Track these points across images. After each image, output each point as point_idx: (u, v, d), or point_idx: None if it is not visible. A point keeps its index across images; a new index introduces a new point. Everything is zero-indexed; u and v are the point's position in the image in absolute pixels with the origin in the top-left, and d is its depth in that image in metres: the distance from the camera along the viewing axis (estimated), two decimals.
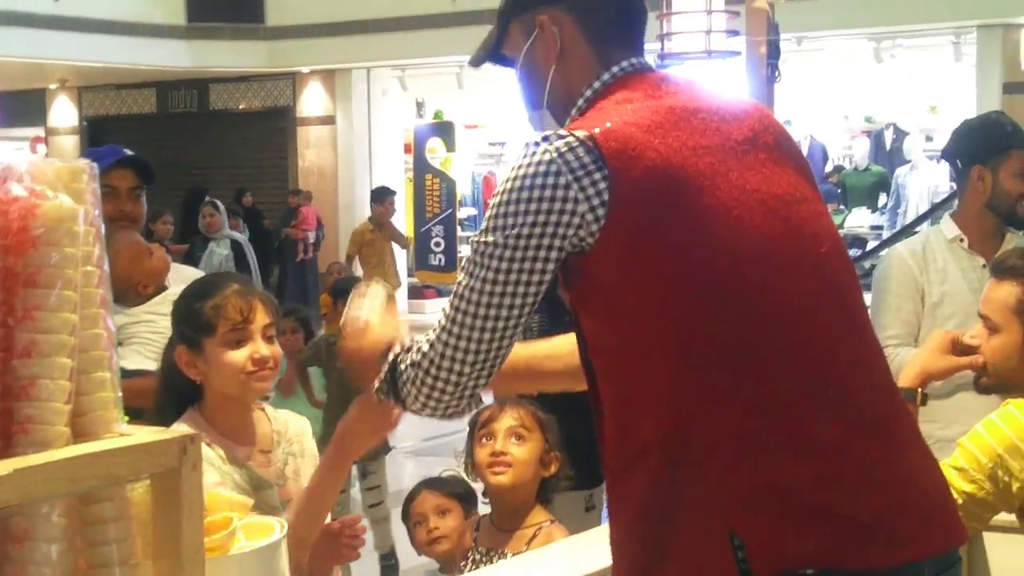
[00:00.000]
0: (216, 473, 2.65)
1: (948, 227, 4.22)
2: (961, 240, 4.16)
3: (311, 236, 17.52)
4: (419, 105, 19.90)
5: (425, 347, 2.12)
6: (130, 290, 4.01)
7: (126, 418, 1.99)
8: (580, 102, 2.19)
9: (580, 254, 2.02)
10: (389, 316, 2.44)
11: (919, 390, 2.97)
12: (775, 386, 1.99)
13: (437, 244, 18.60)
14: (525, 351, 2.54)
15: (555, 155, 2.00)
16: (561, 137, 2.03)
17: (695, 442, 1.97)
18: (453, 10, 15.04)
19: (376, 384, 2.23)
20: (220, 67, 18.45)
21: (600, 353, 2.13)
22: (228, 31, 17.79)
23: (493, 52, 2.32)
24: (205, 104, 19.95)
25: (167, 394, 2.88)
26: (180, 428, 2.73)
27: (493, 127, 20.61)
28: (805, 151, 17.57)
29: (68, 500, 1.60)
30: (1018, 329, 2.86)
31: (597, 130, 2.02)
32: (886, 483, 2.01)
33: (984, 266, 4.20)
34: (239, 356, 2.73)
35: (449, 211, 18.66)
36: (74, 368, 1.60)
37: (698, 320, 1.99)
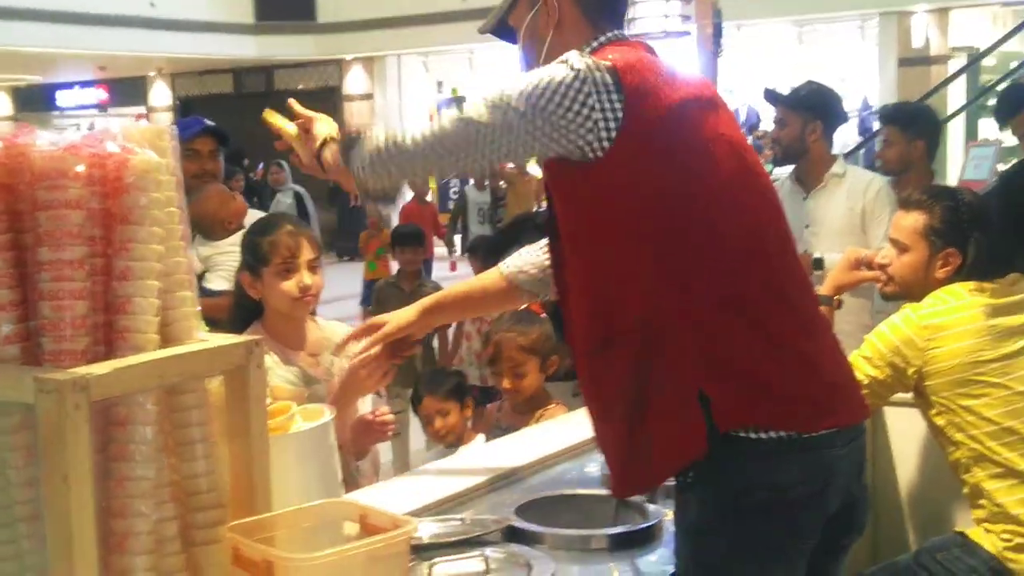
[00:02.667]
0: (270, 377, 2.66)
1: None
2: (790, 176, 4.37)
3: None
4: (439, 84, 19.77)
5: (406, 133, 2.01)
6: (217, 226, 3.99)
7: (207, 327, 1.99)
8: None
9: (585, 160, 1.93)
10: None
11: (835, 297, 2.96)
12: (738, 286, 1.97)
13: (455, 192, 18.63)
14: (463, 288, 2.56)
15: (587, 70, 1.91)
16: (592, 58, 1.95)
17: (670, 328, 1.94)
18: (464, 7, 14.90)
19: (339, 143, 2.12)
20: (282, 56, 18.36)
21: (578, 249, 2.05)
22: (288, 27, 17.68)
23: (500, 22, 2.23)
24: (271, 85, 19.86)
25: (238, 309, 2.89)
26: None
27: None
28: (744, 116, 17.51)
29: (158, 392, 1.59)
30: (924, 247, 2.85)
31: (620, 62, 1.94)
32: (814, 367, 2.00)
33: (802, 197, 4.32)
34: (288, 284, 2.73)
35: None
36: (161, 288, 1.58)
37: (678, 230, 1.95)
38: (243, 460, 1.66)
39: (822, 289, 2.94)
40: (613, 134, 1.90)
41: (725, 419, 1.91)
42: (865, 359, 2.76)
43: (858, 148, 12.58)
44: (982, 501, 2.74)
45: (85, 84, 21.97)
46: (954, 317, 2.76)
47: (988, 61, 11.64)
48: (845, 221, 4.20)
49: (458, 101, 15.47)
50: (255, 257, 2.76)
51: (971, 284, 2.79)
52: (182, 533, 1.62)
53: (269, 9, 17.49)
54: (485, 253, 5.21)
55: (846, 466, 2.02)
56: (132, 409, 1.54)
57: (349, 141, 2.08)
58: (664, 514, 2.31)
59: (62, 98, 22.35)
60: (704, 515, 1.96)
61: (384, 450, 5.93)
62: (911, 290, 2.88)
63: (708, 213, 1.97)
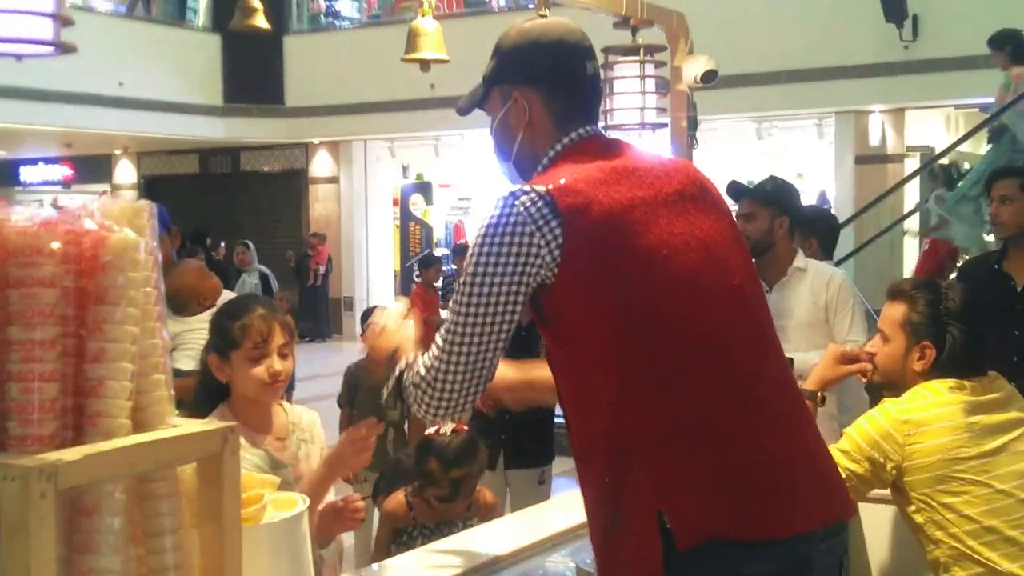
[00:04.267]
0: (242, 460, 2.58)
1: None
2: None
3: (322, 268, 17.62)
4: (404, 169, 19.83)
5: (422, 371, 2.03)
6: (193, 302, 3.93)
7: (177, 411, 1.91)
8: (544, 161, 2.13)
9: (543, 288, 1.96)
10: (402, 326, 2.34)
11: (819, 393, 2.93)
12: (694, 396, 1.93)
13: (417, 276, 18.57)
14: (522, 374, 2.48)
15: (521, 208, 1.95)
16: (525, 193, 1.97)
17: (626, 447, 1.92)
18: (432, 95, 14.97)
19: (385, 396, 2.19)
20: (249, 138, 18.37)
21: (558, 367, 2.08)
22: (255, 110, 17.70)
23: (475, 106, 2.26)
24: (238, 167, 19.85)
25: (204, 391, 2.80)
26: (215, 420, 2.68)
27: (462, 186, 20.57)
28: None
29: (128, 480, 1.50)
30: (902, 339, 2.83)
31: (551, 186, 1.97)
32: (785, 467, 1.95)
33: (767, 291, 4.24)
34: (259, 370, 2.66)
35: (427, 250, 18.64)
36: (135, 371, 1.51)
37: (634, 343, 1.93)
38: (215, 552, 1.57)
39: (807, 384, 2.90)
40: (558, 257, 1.93)
41: (684, 538, 1.86)
42: (843, 452, 2.71)
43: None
44: None
45: (50, 160, 21.84)
46: (933, 413, 2.72)
47: (942, 161, 11.84)
48: (811, 315, 4.19)
49: (423, 187, 15.59)
50: (225, 340, 2.69)
51: (951, 381, 2.76)
52: None
53: (238, 92, 17.50)
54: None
55: (825, 562, 1.96)
56: (100, 498, 1.45)
57: (393, 391, 2.17)
58: None
59: (26, 174, 22.19)
60: None
61: (347, 536, 5.78)
62: (892, 381, 2.85)
63: (657, 324, 1.94)
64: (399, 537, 3.67)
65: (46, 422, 1.43)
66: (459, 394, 2.02)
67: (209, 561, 1.58)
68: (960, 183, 8.87)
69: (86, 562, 1.44)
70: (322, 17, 18.80)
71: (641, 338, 1.93)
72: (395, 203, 19.41)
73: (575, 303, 1.95)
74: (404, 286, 18.64)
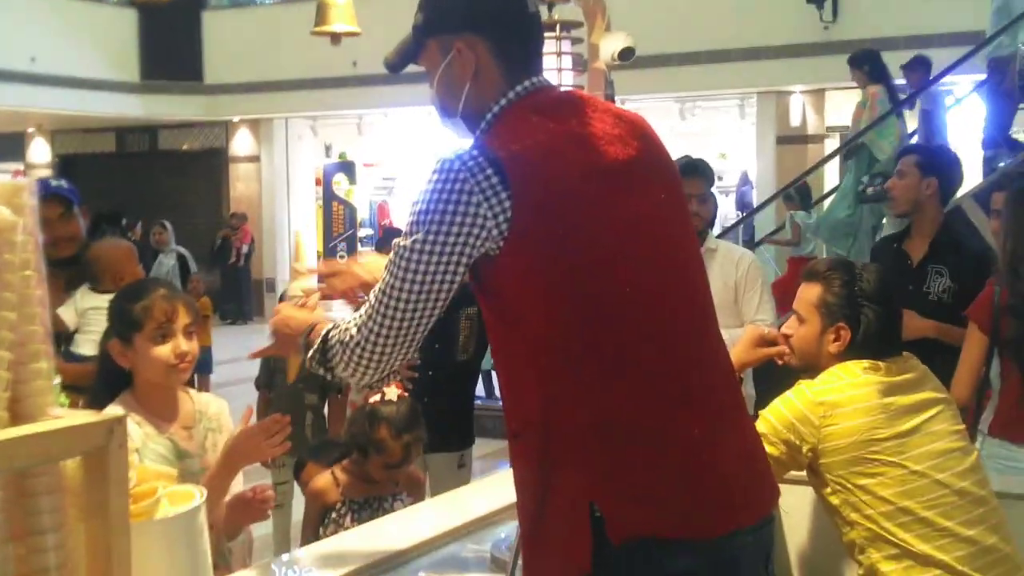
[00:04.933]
0: (142, 451, 2.48)
1: None
2: None
3: (245, 248, 17.38)
4: (327, 148, 19.57)
5: (353, 330, 1.94)
6: (110, 277, 3.78)
7: (65, 400, 1.81)
8: (489, 116, 1.99)
9: (485, 258, 1.86)
10: (311, 307, 2.30)
11: (737, 375, 2.90)
12: (633, 386, 1.86)
13: (341, 256, 18.29)
14: None
15: (468, 174, 1.82)
16: (473, 157, 1.85)
17: (561, 430, 1.85)
18: (355, 73, 14.80)
19: (309, 355, 2.05)
20: (167, 116, 18.02)
21: (493, 339, 1.99)
22: (173, 87, 17.36)
23: (406, 61, 2.12)
24: (155, 145, 19.49)
25: (103, 378, 2.70)
26: (113, 408, 2.57)
27: (386, 165, 20.37)
28: None
29: (6, 476, 1.41)
30: (817, 321, 2.81)
31: (503, 153, 1.85)
32: (718, 465, 1.89)
33: None
34: (163, 351, 2.57)
35: (351, 231, 18.00)
36: (12, 359, 1.41)
37: (571, 326, 1.85)
38: (101, 551, 1.48)
39: None
40: (505, 231, 1.83)
41: (616, 532, 1.80)
42: (760, 435, 2.69)
43: (738, 224, 12.82)
44: None
45: None
46: (848, 395, 2.71)
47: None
48: (720, 296, 4.16)
49: (346, 166, 15.24)
50: (126, 323, 2.58)
51: (865, 362, 2.74)
52: None
53: (155, 68, 17.14)
54: None
55: (751, 554, 1.92)
56: None
57: (318, 352, 2.04)
58: None
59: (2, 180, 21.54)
60: None
61: (265, 521, 5.67)
62: (808, 363, 2.83)
63: (598, 310, 1.86)
64: (327, 515, 3.60)
65: None
66: (389, 356, 1.93)
67: (96, 560, 1.48)
68: (828, 203, 9.14)
69: None
70: None
71: (579, 322, 1.85)
72: (317, 182, 18.77)
73: (515, 279, 1.87)
74: None
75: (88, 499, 1.49)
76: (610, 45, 3.33)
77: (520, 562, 2.01)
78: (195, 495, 1.79)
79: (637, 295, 1.89)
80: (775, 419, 2.72)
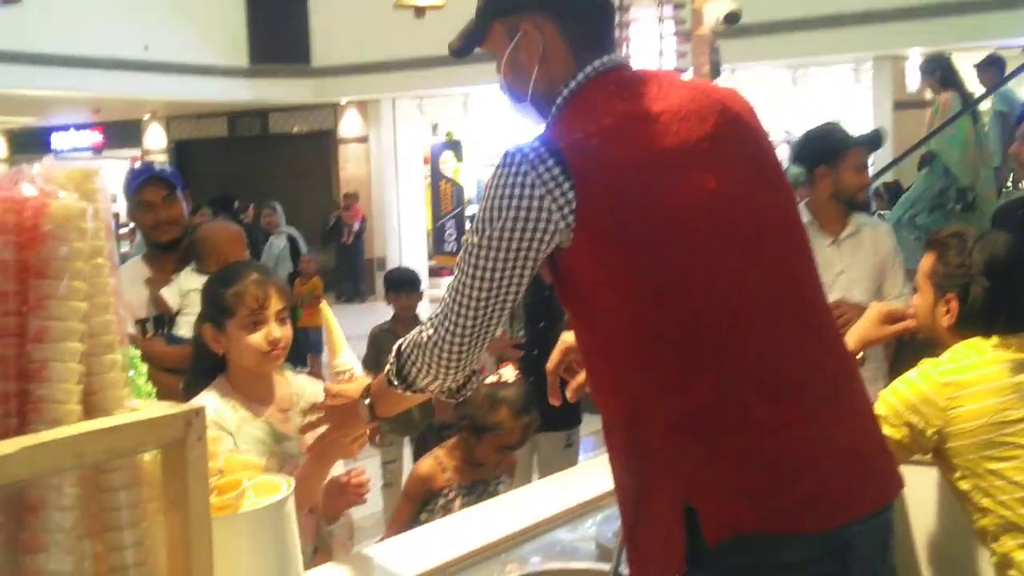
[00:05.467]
0: (237, 436, 2.45)
1: (802, 213, 4.07)
2: (812, 223, 4.06)
3: (356, 226, 17.54)
4: (434, 127, 19.63)
5: (429, 331, 1.89)
6: (216, 261, 3.77)
7: (152, 389, 1.77)
8: (559, 100, 1.90)
9: (559, 251, 1.78)
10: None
11: (859, 354, 2.75)
12: (721, 377, 1.73)
13: (450, 235, 18.43)
14: None
15: (530, 168, 1.74)
16: (535, 149, 1.76)
17: (652, 425, 1.75)
18: None
19: (386, 372, 2.02)
20: (276, 99, 18.25)
21: (578, 335, 1.91)
22: (282, 71, 17.54)
23: (471, 45, 2.04)
24: (265, 129, 19.77)
25: (199, 361, 2.67)
26: (207, 394, 2.54)
27: (492, 142, 20.37)
28: None
29: (81, 472, 1.36)
30: (930, 291, 2.66)
31: (564, 143, 1.76)
32: (825, 455, 1.75)
33: (829, 244, 4.06)
34: (255, 338, 2.53)
35: (459, 208, 18.48)
36: (85, 351, 1.36)
37: (652, 319, 1.74)
38: (181, 546, 1.43)
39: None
40: (572, 222, 1.74)
41: (713, 532, 1.69)
42: (880, 418, 2.53)
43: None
44: (1012, 572, 2.51)
45: (80, 127, 21.84)
46: (976, 374, 2.54)
47: (984, 105, 11.51)
48: (870, 273, 4.08)
49: (453, 145, 15.35)
50: (218, 308, 2.55)
51: (995, 339, 2.57)
52: None
53: (263, 53, 17.34)
54: None
55: (868, 543, 1.78)
56: (46, 493, 1.31)
57: (393, 367, 2.00)
58: None
59: (57, 140, 22.18)
60: None
61: (375, 500, 5.67)
62: (929, 337, 2.68)
63: (680, 300, 1.74)
64: (435, 500, 3.58)
65: None
66: (467, 353, 1.88)
67: (176, 556, 1.44)
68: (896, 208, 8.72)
69: (34, 563, 1.31)
70: None
71: (662, 314, 1.73)
72: (425, 162, 19.25)
73: (588, 271, 1.77)
74: (436, 245, 18.56)
75: (167, 493, 1.44)
76: (714, 9, 3.21)
77: (624, 555, 1.92)
78: (282, 486, 1.73)
79: (717, 278, 1.76)
80: (897, 401, 2.56)
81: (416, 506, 3.60)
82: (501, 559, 2.43)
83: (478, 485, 3.62)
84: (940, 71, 8.06)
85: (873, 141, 4.16)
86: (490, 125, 18.72)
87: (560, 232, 1.74)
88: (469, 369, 1.95)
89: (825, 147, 4.09)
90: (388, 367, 2.01)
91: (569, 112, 1.88)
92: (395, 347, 2.00)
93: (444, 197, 18.74)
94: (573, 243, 1.75)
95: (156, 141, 20.86)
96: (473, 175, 20.22)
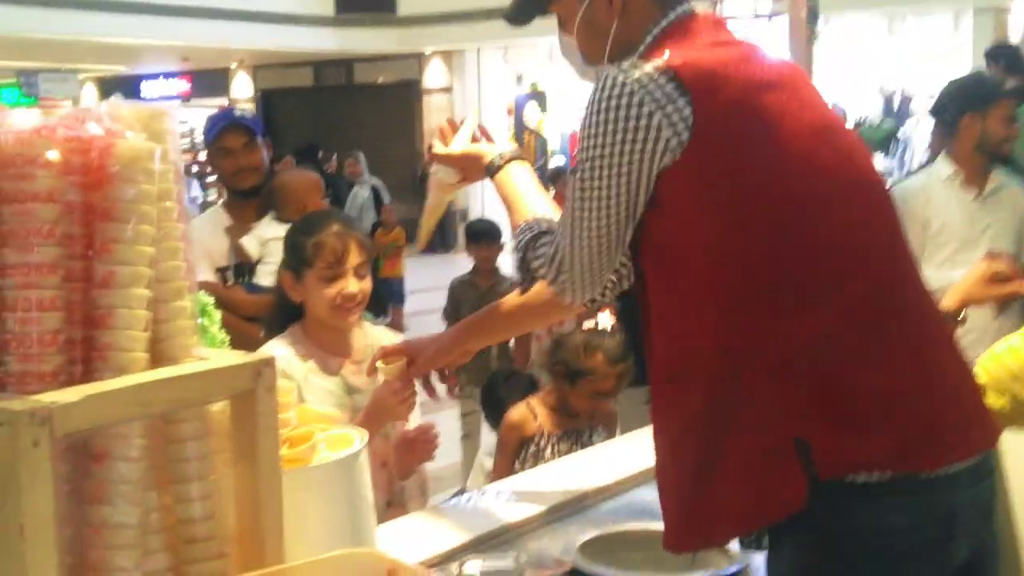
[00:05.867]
0: (304, 386, 2.42)
1: (944, 167, 3.92)
2: (956, 176, 3.89)
3: None
4: (519, 77, 19.49)
5: (553, 251, 1.84)
6: (294, 209, 3.75)
7: (226, 338, 1.73)
8: (641, 48, 1.79)
9: (662, 174, 1.68)
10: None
11: (961, 311, 2.62)
12: (838, 304, 1.65)
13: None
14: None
15: (638, 87, 1.64)
16: (641, 69, 1.66)
17: (760, 356, 1.65)
18: None
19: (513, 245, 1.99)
20: (361, 49, 18.25)
21: (655, 294, 1.79)
22: (367, 19, 17.55)
23: (533, 8, 1.94)
24: (351, 78, 19.82)
25: (279, 310, 2.64)
26: (278, 342, 2.51)
27: (578, 93, 20.21)
28: None
29: (148, 422, 1.33)
30: None
31: (678, 62, 1.67)
32: (937, 392, 1.69)
33: (975, 198, 3.89)
34: (331, 291, 2.48)
35: (542, 161, 18.39)
36: (152, 297, 1.32)
37: (767, 241, 1.65)
38: (250, 499, 1.40)
39: (945, 302, 2.58)
40: (685, 139, 1.64)
41: (826, 467, 1.60)
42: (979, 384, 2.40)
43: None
44: None
45: (169, 75, 22.09)
46: None
47: None
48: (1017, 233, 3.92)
49: (537, 96, 15.21)
50: (298, 257, 2.51)
51: None
52: None
53: (349, 2, 17.36)
54: None
55: (973, 509, 1.69)
56: (111, 442, 1.28)
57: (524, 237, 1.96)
58: (750, 558, 2.00)
59: (147, 89, 22.44)
60: (801, 562, 1.66)
61: (454, 451, 5.66)
62: None
63: (791, 226, 1.67)
64: (526, 447, 3.56)
65: (48, 357, 1.25)
66: (584, 279, 1.81)
67: (244, 508, 1.40)
68: None
69: (98, 514, 1.27)
70: None
71: (776, 239, 1.65)
72: (509, 112, 19.14)
73: (691, 197, 1.68)
74: None
75: (236, 445, 1.40)
76: None
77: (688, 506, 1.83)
78: (355, 439, 1.68)
79: (827, 207, 1.69)
80: (999, 368, 2.43)
81: (511, 455, 3.57)
82: (574, 518, 2.37)
83: (571, 434, 3.59)
84: (1004, 60, 7.73)
85: (1022, 92, 4.02)
86: (576, 76, 18.57)
87: (670, 152, 1.65)
88: (599, 288, 1.87)
89: (975, 94, 3.93)
90: (522, 226, 1.96)
91: (669, 41, 1.77)
92: (530, 231, 1.94)
93: (528, 149, 18.66)
94: (676, 164, 1.65)
95: (243, 90, 21.03)
96: (557, 127, 20.07)
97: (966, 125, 3.85)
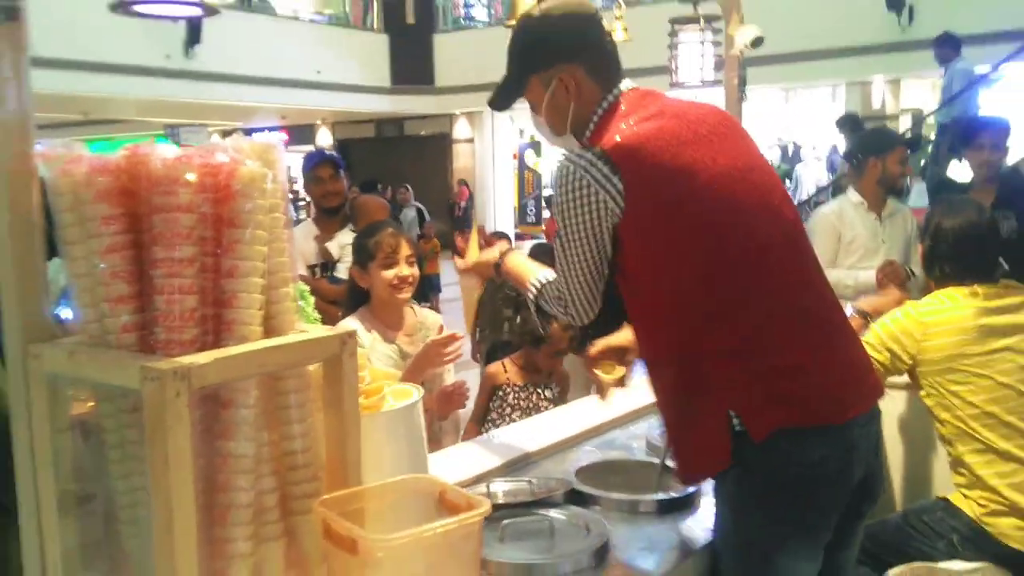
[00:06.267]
0: (371, 353, 2.35)
1: (854, 196, 3.83)
2: (862, 203, 3.78)
3: (464, 203, 17.43)
4: (521, 131, 19.33)
5: (555, 292, 1.76)
6: (366, 223, 3.67)
7: (318, 316, 1.65)
8: (592, 122, 1.72)
9: (618, 227, 1.62)
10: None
11: (869, 315, 2.59)
12: (754, 311, 1.58)
13: (531, 211, 18.25)
14: None
15: (584, 172, 1.60)
16: (583, 156, 1.61)
17: (702, 355, 1.58)
18: None
19: (531, 304, 1.89)
20: (410, 110, 18.12)
21: (631, 306, 1.72)
22: (414, 89, 17.39)
23: (508, 99, 1.84)
24: (402, 132, 19.67)
25: (351, 296, 2.58)
26: (350, 320, 2.44)
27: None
28: None
29: (261, 377, 1.25)
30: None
31: (608, 146, 1.61)
32: (833, 366, 1.61)
33: (876, 219, 3.81)
34: (388, 274, 2.45)
35: (538, 192, 18.26)
36: (265, 284, 1.24)
37: (695, 269, 1.58)
38: (337, 438, 1.32)
39: (861, 305, 2.59)
40: (622, 203, 1.58)
41: (758, 432, 1.54)
42: (868, 344, 2.34)
43: (828, 186, 12.02)
44: (962, 470, 2.32)
45: (272, 129, 21.94)
46: (946, 316, 2.34)
47: (931, 120, 10.94)
48: (904, 248, 3.82)
49: (534, 145, 14.95)
50: (363, 254, 2.47)
51: (966, 288, 2.36)
52: (281, 504, 1.28)
53: (401, 76, 17.20)
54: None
55: (865, 443, 1.63)
56: (236, 394, 1.20)
57: (534, 291, 1.87)
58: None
59: (256, 140, 22.28)
60: (741, 491, 1.58)
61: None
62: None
63: (712, 250, 1.58)
64: (496, 391, 3.45)
65: (187, 329, 1.18)
66: (584, 305, 1.72)
67: (333, 445, 1.32)
68: None
69: (225, 447, 1.20)
70: (461, 19, 18.28)
71: (702, 267, 1.58)
72: (514, 157, 19.02)
73: (642, 240, 1.61)
74: (521, 218, 18.40)
75: (326, 396, 1.32)
76: (743, 35, 2.97)
77: (669, 454, 1.77)
78: (413, 393, 1.61)
79: (742, 234, 1.61)
80: (882, 331, 2.37)
81: (486, 396, 3.49)
82: (570, 452, 2.30)
83: (528, 385, 3.48)
84: (848, 124, 7.76)
85: (913, 143, 3.94)
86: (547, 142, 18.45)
87: (613, 215, 1.60)
88: (592, 313, 1.75)
89: (878, 142, 3.82)
90: (532, 285, 1.86)
91: (604, 123, 1.70)
92: (538, 286, 1.85)
93: (527, 183, 18.54)
94: (625, 217, 1.60)
95: (324, 140, 20.87)
96: (548, 166, 19.97)
97: (871, 165, 3.75)
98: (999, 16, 11.04)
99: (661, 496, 1.88)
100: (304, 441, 1.30)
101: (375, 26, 17.57)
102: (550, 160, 19.81)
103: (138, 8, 1.86)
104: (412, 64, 17.25)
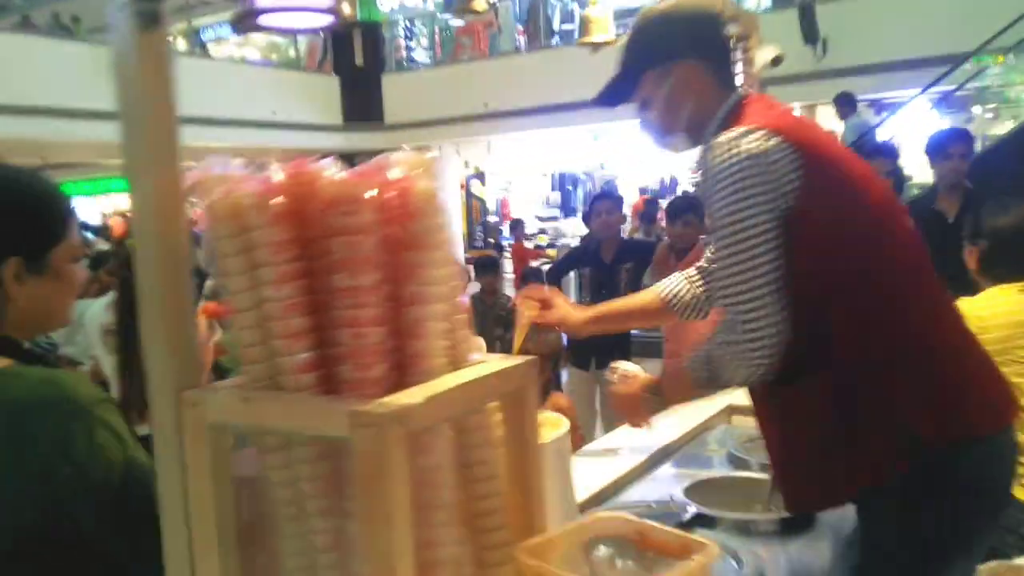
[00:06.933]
0: None
1: None
2: None
3: None
4: (466, 163, 19.18)
5: (741, 332, 1.40)
6: None
7: None
8: (713, 121, 1.55)
9: (787, 213, 1.40)
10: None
11: None
12: (917, 319, 1.44)
13: (479, 236, 18.12)
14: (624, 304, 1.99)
15: (762, 145, 1.39)
16: (751, 132, 1.41)
17: (871, 368, 1.41)
18: (485, 111, 14.42)
19: (694, 377, 1.49)
20: (360, 146, 17.81)
21: (795, 288, 1.45)
22: (364, 126, 17.12)
23: (623, 94, 1.67)
24: (353, 166, 19.21)
25: None
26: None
27: (505, 173, 19.94)
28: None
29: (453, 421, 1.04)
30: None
31: (772, 125, 1.42)
32: (987, 376, 1.50)
33: None
34: None
35: (485, 218, 18.16)
36: (447, 312, 1.04)
37: (859, 273, 1.42)
38: (521, 476, 1.12)
39: None
40: (798, 184, 1.39)
41: (932, 439, 1.39)
42: None
43: None
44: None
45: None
46: (993, 311, 2.26)
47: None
48: None
49: (479, 175, 14.87)
50: None
51: (1019, 284, 2.27)
52: (475, 557, 1.07)
53: (352, 114, 16.95)
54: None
55: (1010, 451, 1.49)
56: (435, 437, 0.99)
57: (703, 369, 1.48)
58: None
59: (412, 153, 21.65)
60: (907, 506, 1.42)
61: None
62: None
63: (878, 252, 1.44)
64: None
65: (376, 365, 0.97)
66: (773, 333, 1.38)
67: (517, 485, 1.12)
68: None
69: (427, 498, 0.99)
70: (404, 62, 18.12)
71: (866, 267, 1.42)
72: (462, 187, 18.86)
73: (809, 230, 1.39)
74: (469, 243, 18.24)
75: (508, 435, 1.12)
76: (764, 54, 2.87)
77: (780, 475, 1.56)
78: (563, 421, 1.41)
79: (895, 239, 1.48)
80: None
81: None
82: (659, 470, 2.11)
83: None
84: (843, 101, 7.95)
85: (893, 154, 3.89)
86: (505, 161, 18.38)
87: (794, 191, 1.38)
88: (779, 346, 1.40)
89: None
90: (695, 373, 1.49)
91: (741, 115, 1.51)
92: (695, 356, 1.49)
93: (474, 210, 18.42)
94: (802, 201, 1.38)
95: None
96: (492, 196, 19.84)
97: None
98: (898, 46, 11.53)
99: (783, 515, 1.71)
100: (491, 485, 1.09)
101: (326, 69, 17.29)
102: (493, 189, 19.72)
103: (263, 21, 1.62)
104: (362, 102, 16.98)
